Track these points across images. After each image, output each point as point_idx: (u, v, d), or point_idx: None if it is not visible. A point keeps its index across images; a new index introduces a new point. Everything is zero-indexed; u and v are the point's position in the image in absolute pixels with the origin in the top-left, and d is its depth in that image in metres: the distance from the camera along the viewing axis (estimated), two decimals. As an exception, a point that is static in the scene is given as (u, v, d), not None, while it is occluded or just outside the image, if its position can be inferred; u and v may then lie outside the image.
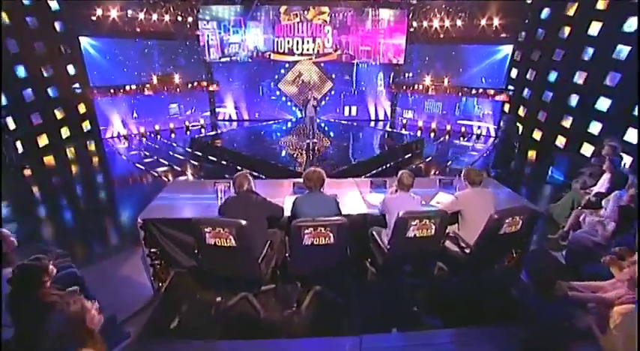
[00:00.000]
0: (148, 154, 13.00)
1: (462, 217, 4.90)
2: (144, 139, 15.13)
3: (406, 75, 17.73)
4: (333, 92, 18.22)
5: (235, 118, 18.22)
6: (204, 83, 17.16)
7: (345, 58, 17.30)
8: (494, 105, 15.69)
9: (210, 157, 12.45)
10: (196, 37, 16.38)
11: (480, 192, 4.94)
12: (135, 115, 15.72)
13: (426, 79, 17.03)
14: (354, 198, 5.68)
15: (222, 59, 16.95)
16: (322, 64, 17.90)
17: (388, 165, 11.83)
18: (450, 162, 12.47)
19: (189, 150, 13.53)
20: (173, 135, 15.75)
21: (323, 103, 18.05)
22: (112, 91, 14.83)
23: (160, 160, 12.25)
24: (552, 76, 13.33)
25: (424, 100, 17.44)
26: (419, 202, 4.93)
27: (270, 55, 17.12)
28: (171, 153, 13.17)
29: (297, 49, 17.06)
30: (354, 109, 18.57)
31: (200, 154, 12.86)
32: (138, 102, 15.69)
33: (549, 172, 10.58)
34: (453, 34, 16.03)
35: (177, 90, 16.43)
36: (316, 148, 12.79)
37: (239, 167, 10.94)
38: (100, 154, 13.48)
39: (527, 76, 14.64)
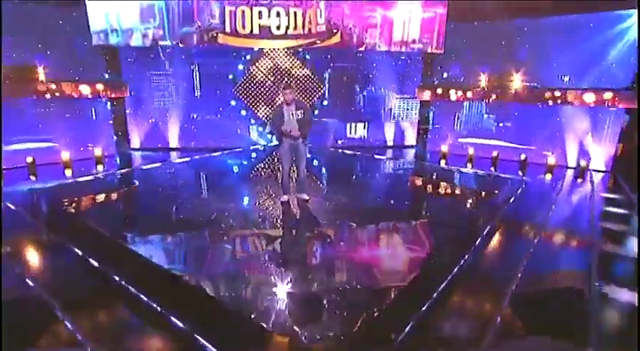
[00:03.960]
0: None
1: None
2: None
3: (443, 74, 10.92)
4: (325, 102, 11.22)
5: (158, 147, 10.90)
6: (101, 87, 9.78)
7: (348, 42, 10.35)
8: (610, 117, 9.03)
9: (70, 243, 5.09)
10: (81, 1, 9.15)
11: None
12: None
13: (480, 78, 10.22)
14: None
15: (133, 44, 9.72)
16: (308, 55, 10.91)
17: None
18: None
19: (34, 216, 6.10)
20: (33, 177, 8.27)
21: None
22: None
23: None
24: None
25: (477, 112, 10.62)
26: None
27: (217, 36, 9.99)
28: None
29: (267, 28, 10.02)
30: (360, 127, 11.58)
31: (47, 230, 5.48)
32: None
33: None
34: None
35: (46, 95, 8.99)
36: (304, 220, 5.67)
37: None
38: None
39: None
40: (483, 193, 7.42)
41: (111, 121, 10.32)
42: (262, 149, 10.96)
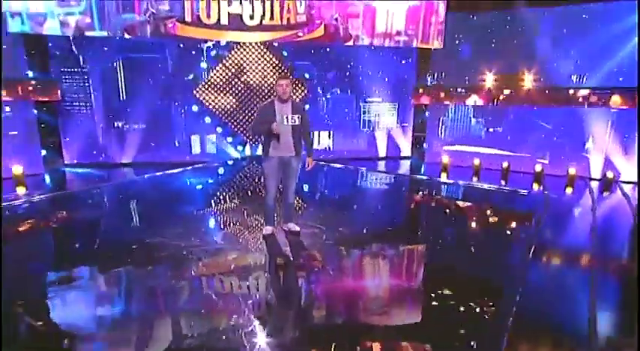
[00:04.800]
0: None
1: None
2: None
3: (442, 73, 9.49)
4: (308, 105, 9.54)
5: (101, 163, 8.82)
6: (25, 87, 7.68)
7: (333, 36, 8.74)
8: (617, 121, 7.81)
9: None
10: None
11: None
12: None
13: (485, 77, 8.84)
14: None
15: (47, 33, 7.65)
16: (285, 52, 9.23)
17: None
18: None
19: None
20: None
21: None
22: None
23: None
24: None
25: (482, 120, 9.23)
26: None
27: (174, 26, 8.15)
28: None
29: (238, 18, 8.27)
30: (325, 137, 9.93)
31: None
32: None
33: None
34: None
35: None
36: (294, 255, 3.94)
37: None
38: None
39: None
40: (513, 215, 5.94)
41: (38, 132, 8.18)
42: (232, 164, 9.11)
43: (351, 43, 8.75)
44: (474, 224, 5.79)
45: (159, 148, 8.97)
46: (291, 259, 4.18)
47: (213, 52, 8.88)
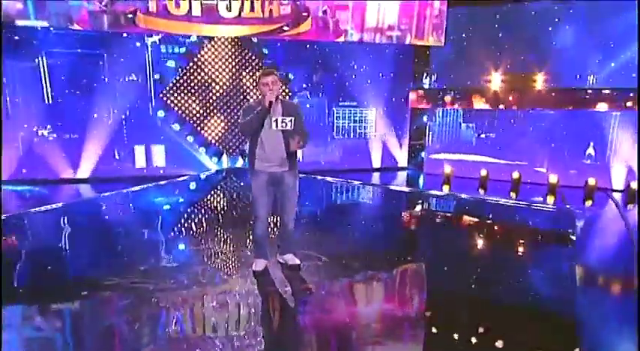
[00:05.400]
0: None
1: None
2: None
3: (441, 74, 8.59)
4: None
5: (48, 180, 7.38)
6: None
7: (321, 31, 7.69)
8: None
9: None
10: None
11: None
12: None
13: (491, 78, 7.97)
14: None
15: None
16: (265, 50, 8.11)
17: None
18: None
19: None
20: None
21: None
22: None
23: None
24: None
25: (472, 125, 8.34)
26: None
27: (136, 15, 6.91)
28: None
29: (213, 9, 7.11)
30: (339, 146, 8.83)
31: None
32: None
33: None
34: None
35: None
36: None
37: None
38: None
39: None
40: (552, 235, 4.98)
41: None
42: (204, 178, 7.86)
43: (341, 38, 7.74)
44: (515, 250, 4.76)
45: (102, 160, 7.49)
46: (295, 306, 3.02)
47: (182, 49, 7.68)
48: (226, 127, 8.07)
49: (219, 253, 4.11)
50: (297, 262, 3.62)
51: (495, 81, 7.88)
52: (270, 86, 3.17)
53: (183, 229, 5.10)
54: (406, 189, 7.66)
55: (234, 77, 7.94)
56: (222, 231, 4.90)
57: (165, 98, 7.70)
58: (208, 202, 6.60)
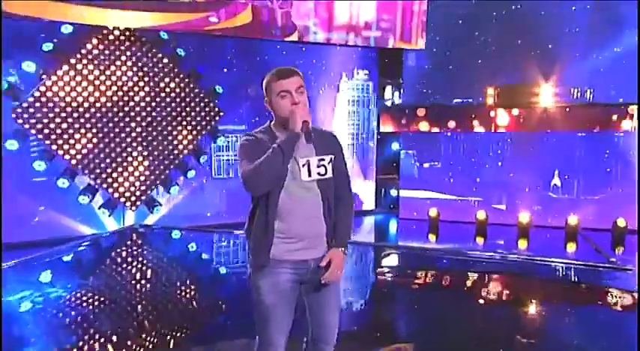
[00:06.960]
0: None
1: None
2: None
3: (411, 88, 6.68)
4: (231, 138, 5.89)
5: None
6: None
7: (265, 25, 5.39)
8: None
9: None
10: None
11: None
12: None
13: (488, 95, 6.20)
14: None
15: None
16: (181, 51, 5.60)
17: None
18: None
19: None
20: None
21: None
22: None
23: None
24: None
25: (412, 153, 6.59)
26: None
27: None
28: None
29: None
30: None
31: None
32: None
33: None
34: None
35: None
36: None
37: None
38: None
39: None
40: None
41: None
42: (92, 244, 5.06)
43: (294, 37, 5.51)
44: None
45: None
46: None
47: (50, 46, 4.93)
48: (124, 165, 5.36)
49: None
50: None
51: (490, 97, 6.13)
52: (295, 96, 1.60)
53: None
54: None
55: (132, 92, 5.28)
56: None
57: (20, 120, 4.83)
58: (101, 287, 3.85)
